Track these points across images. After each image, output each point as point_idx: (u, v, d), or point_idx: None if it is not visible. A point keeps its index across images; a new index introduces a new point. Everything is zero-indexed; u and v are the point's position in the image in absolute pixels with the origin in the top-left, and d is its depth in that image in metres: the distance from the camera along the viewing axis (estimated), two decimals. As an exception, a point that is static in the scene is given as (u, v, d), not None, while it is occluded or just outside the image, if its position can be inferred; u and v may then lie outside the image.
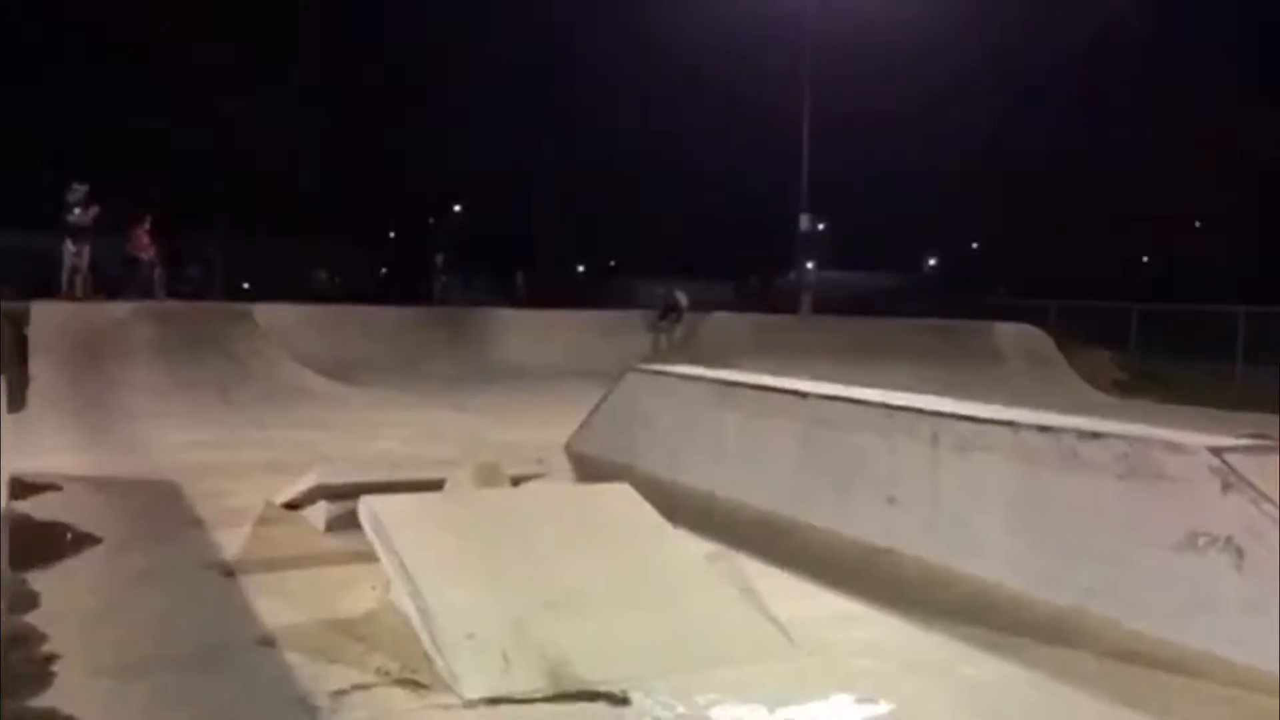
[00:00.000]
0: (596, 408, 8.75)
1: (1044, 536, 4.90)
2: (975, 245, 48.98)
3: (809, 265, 26.72)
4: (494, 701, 3.63)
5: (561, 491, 5.38)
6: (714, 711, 3.58)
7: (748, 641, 4.20)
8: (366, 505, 4.80)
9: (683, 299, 19.45)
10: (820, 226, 28.61)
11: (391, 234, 44.55)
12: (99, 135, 28.29)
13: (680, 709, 3.60)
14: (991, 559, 5.04)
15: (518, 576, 4.38)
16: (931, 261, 52.77)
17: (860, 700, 3.70)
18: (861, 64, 32.39)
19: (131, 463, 8.47)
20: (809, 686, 3.81)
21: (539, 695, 3.69)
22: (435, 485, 5.69)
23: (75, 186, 14.82)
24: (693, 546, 5.05)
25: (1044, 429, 5.01)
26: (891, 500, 5.69)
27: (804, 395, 6.43)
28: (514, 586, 4.31)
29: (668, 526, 4.99)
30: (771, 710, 3.57)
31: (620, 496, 5.14)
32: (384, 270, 41.12)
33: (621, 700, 3.65)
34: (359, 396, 13.10)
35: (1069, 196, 40.09)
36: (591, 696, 3.68)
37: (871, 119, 37.12)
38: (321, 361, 14.27)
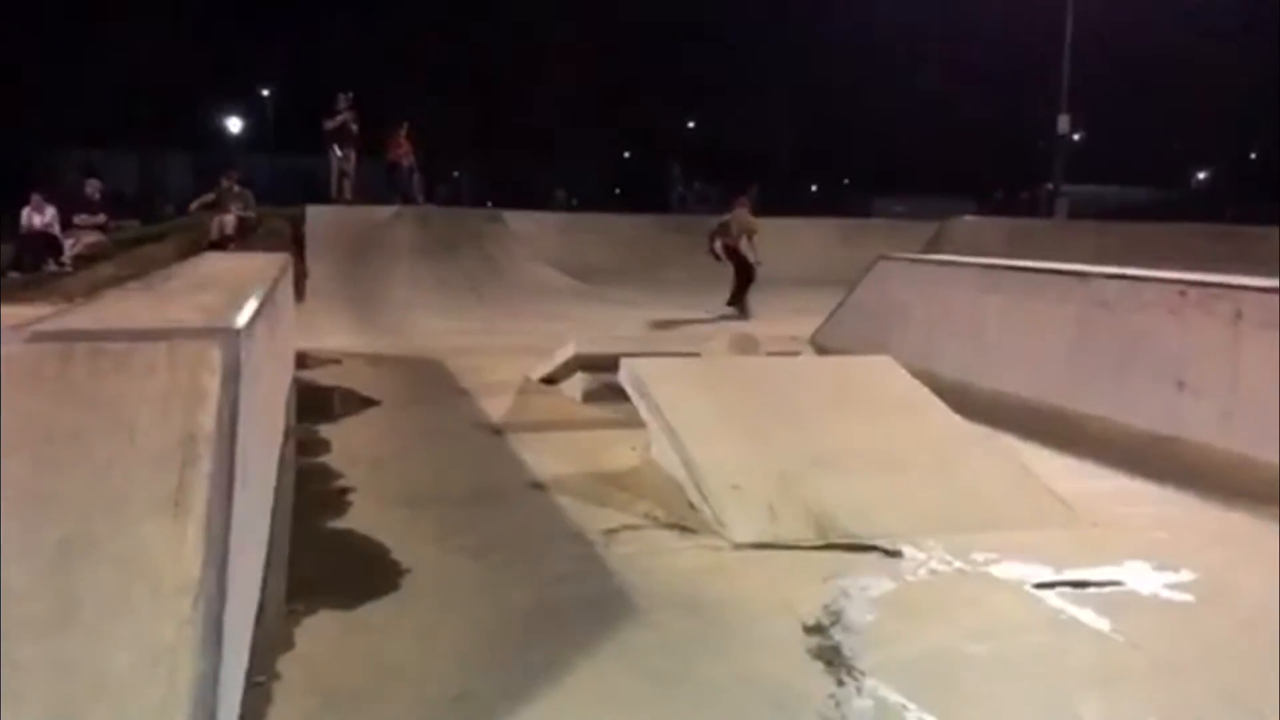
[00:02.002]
0: (844, 300, 8.51)
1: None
2: (1254, 156, 44.07)
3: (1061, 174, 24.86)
4: (761, 546, 3.61)
5: (822, 361, 5.26)
6: (995, 569, 3.41)
7: (1025, 508, 3.97)
8: (628, 366, 4.86)
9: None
10: (1076, 137, 26.54)
11: (626, 154, 45.10)
12: (367, 52, 29.97)
13: (958, 564, 3.45)
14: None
15: (780, 436, 4.33)
16: (1201, 175, 48.15)
17: (1159, 568, 3.42)
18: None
19: (398, 344, 9.04)
20: (1099, 553, 3.56)
21: (806, 544, 3.63)
22: (685, 354, 5.71)
23: (342, 95, 15.74)
24: (959, 420, 4.81)
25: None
26: (1181, 385, 5.21)
27: (1083, 275, 5.96)
28: (777, 445, 4.26)
29: (934, 398, 4.79)
30: (1059, 571, 3.36)
31: (884, 368, 4.97)
32: (617, 190, 41.77)
33: (893, 553, 3.54)
34: (600, 295, 13.39)
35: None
36: (862, 548, 3.59)
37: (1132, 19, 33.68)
38: (564, 265, 14.68)
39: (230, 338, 2.80)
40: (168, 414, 2.54)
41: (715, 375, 4.88)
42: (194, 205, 14.34)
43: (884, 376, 4.93)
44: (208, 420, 2.56)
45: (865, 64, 40.24)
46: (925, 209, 30.12)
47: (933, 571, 3.41)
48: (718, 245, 12.71)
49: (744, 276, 12.52)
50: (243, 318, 3.18)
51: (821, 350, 8.30)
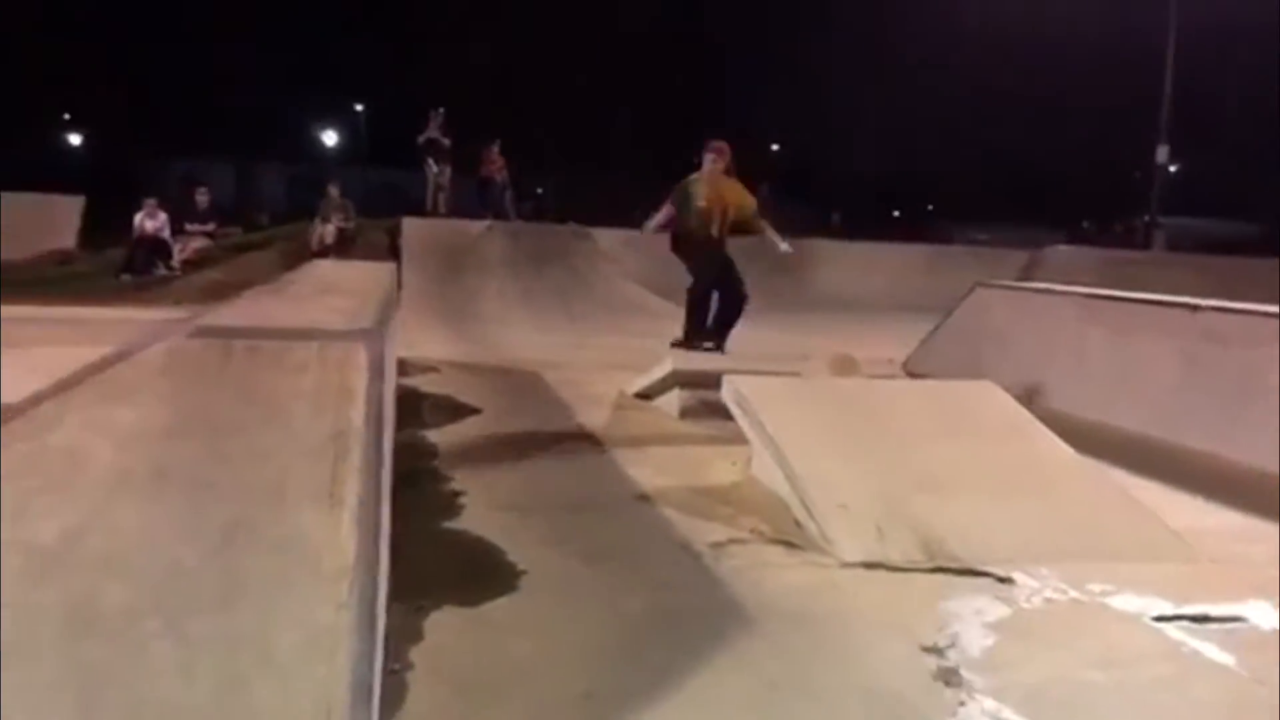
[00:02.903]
0: (939, 325, 8.46)
1: None
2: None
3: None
4: (870, 566, 3.63)
5: (923, 385, 5.24)
6: (1112, 600, 3.38)
7: (1139, 540, 3.92)
8: (730, 383, 4.92)
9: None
10: (1173, 169, 25.88)
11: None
12: (457, 73, 30.66)
13: (1073, 593, 3.43)
14: None
15: (884, 458, 4.34)
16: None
17: (1283, 606, 3.36)
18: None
19: (492, 355, 9.22)
20: (1218, 589, 3.50)
21: (915, 565, 3.64)
22: (784, 373, 5.75)
23: (435, 111, 16.15)
24: (1065, 447, 4.76)
25: None
26: (1296, 423, 5.09)
27: (1194, 307, 5.86)
28: (881, 466, 4.27)
29: (1038, 423, 4.75)
30: (1178, 605, 3.31)
31: (986, 393, 4.94)
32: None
33: (1005, 580, 3.53)
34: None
35: None
36: (972, 573, 3.59)
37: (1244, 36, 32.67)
38: (650, 283, 14.78)
39: (374, 338, 2.94)
40: (320, 409, 2.67)
41: (818, 394, 4.91)
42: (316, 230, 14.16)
43: (987, 401, 4.91)
44: (356, 416, 2.69)
45: (951, 90, 39.88)
46: (1009, 238, 29.67)
47: (1047, 599, 3.39)
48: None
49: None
50: (379, 320, 3.33)
51: (916, 375, 8.26)
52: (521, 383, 7.73)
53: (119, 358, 2.72)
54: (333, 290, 4.48)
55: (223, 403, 2.64)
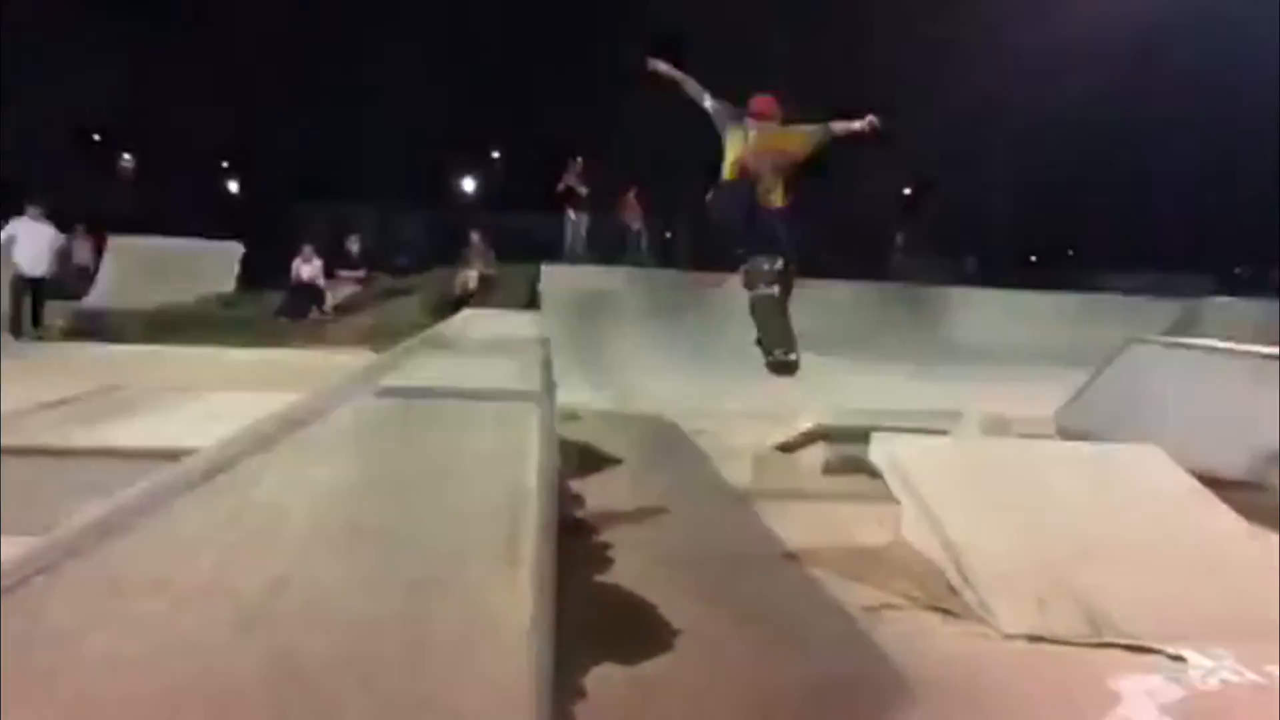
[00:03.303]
0: (1090, 382, 8.18)
1: None
2: None
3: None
4: (1034, 639, 3.53)
5: (1083, 449, 5.08)
6: (1295, 685, 3.20)
7: (1323, 622, 3.70)
8: (881, 443, 4.88)
9: None
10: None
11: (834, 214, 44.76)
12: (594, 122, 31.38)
13: (1251, 676, 3.26)
14: None
15: (1043, 524, 4.22)
16: None
17: None
18: None
19: (630, 403, 9.34)
20: None
21: (1080, 639, 3.53)
22: (934, 431, 5.65)
23: (574, 160, 16.57)
24: (1237, 517, 4.54)
25: None
26: None
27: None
28: (1040, 533, 4.16)
29: (1206, 491, 4.55)
30: (1375, 696, 3.12)
31: (1150, 458, 4.77)
32: (827, 251, 41.52)
33: (1177, 658, 3.38)
34: (821, 364, 13.33)
35: None
36: (1141, 650, 3.45)
37: None
38: (783, 330, 14.76)
39: (544, 401, 3.06)
40: (498, 469, 2.79)
41: (972, 457, 4.81)
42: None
43: (1152, 467, 4.73)
44: (531, 477, 2.80)
45: (1094, 132, 38.60)
46: (1154, 284, 28.38)
47: (1223, 681, 3.24)
48: None
49: None
50: (544, 381, 3.45)
51: (1066, 432, 7.99)
52: (661, 432, 7.81)
53: (312, 415, 2.90)
54: (496, 348, 4.64)
55: (407, 461, 2.78)
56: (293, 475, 2.75)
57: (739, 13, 30.92)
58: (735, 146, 6.72)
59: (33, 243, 12.02)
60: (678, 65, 6.99)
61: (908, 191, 42.49)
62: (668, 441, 7.45)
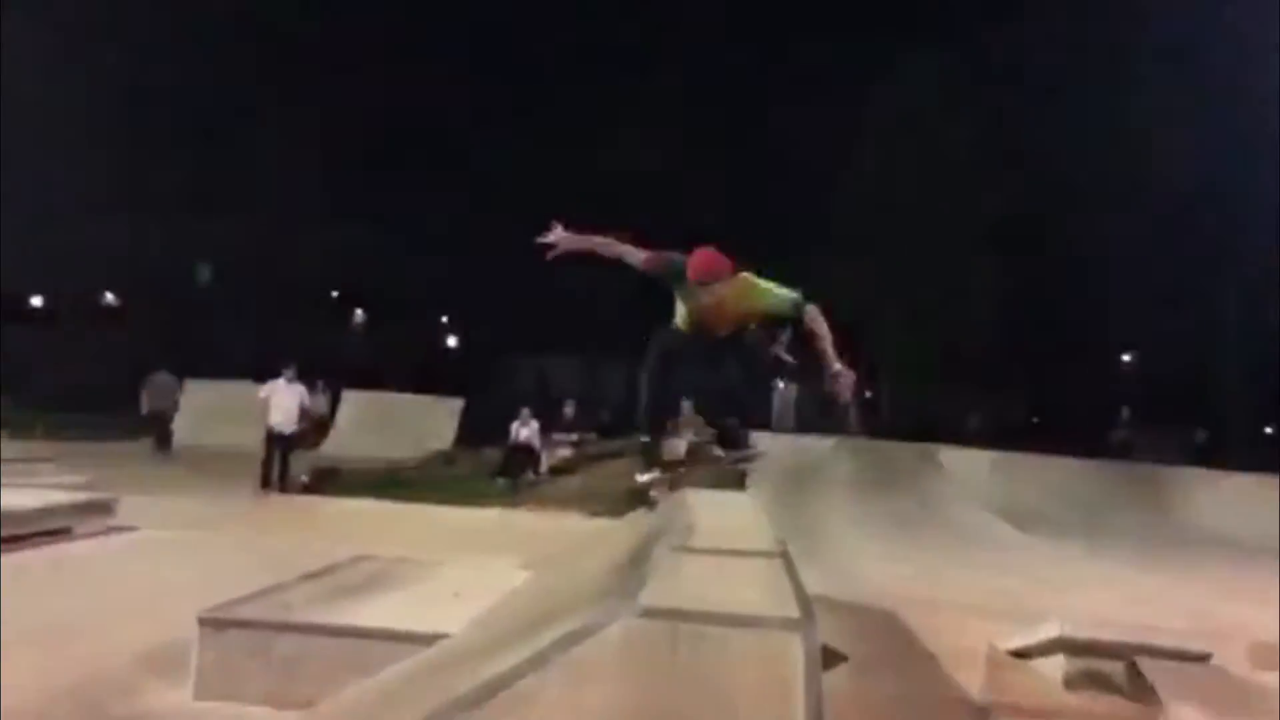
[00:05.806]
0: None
1: None
2: None
3: None
4: None
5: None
6: None
7: None
8: (1150, 673, 4.56)
9: None
10: None
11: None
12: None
13: None
14: None
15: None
16: None
17: None
18: None
19: (842, 586, 9.10)
20: None
21: None
22: (1193, 656, 5.25)
23: (781, 329, 16.79)
24: None
25: None
26: None
27: None
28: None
29: None
30: None
31: None
32: (1034, 419, 39.71)
33: None
34: (1041, 547, 12.69)
35: None
36: None
37: None
38: (994, 507, 14.17)
39: (810, 630, 3.05)
40: (763, 702, 2.81)
41: (1250, 696, 4.42)
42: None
43: None
44: (797, 711, 2.80)
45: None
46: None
47: None
48: None
49: None
50: (803, 599, 3.45)
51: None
52: (881, 624, 7.56)
53: (583, 635, 3.00)
54: (738, 551, 4.64)
55: (674, 688, 2.85)
56: (566, 697, 2.86)
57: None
58: (687, 305, 5.52)
59: (286, 403, 13.14)
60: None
61: (1126, 359, 40.50)
62: (890, 636, 7.19)
